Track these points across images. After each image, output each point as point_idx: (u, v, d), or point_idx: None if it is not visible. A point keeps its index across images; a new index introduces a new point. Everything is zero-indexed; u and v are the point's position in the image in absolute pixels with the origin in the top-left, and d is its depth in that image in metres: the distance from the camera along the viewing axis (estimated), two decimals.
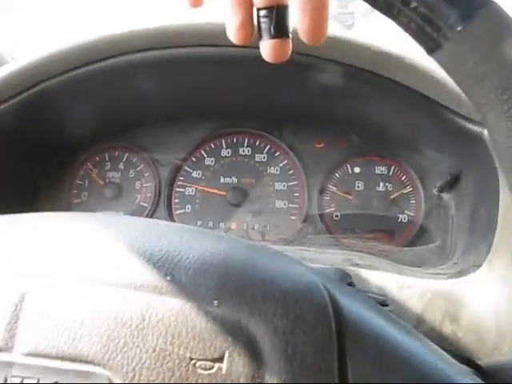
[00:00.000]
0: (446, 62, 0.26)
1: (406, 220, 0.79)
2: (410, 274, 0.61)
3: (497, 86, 0.24)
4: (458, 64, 0.25)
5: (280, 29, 0.37)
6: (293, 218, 0.83)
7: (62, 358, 0.22)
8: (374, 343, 0.25)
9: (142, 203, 0.88)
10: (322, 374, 0.22)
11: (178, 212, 0.87)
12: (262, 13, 0.37)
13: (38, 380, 0.22)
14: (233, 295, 0.24)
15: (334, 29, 0.64)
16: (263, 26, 0.37)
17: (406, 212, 0.80)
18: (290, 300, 0.24)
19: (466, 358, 0.51)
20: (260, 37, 0.38)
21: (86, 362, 0.22)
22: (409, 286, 0.57)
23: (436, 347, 0.30)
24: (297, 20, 0.37)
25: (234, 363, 0.22)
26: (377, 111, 0.71)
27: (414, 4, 0.25)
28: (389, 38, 0.58)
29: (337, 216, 0.82)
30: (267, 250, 0.30)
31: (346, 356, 0.23)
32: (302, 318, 0.24)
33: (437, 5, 0.24)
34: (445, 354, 0.30)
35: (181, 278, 0.24)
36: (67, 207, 0.89)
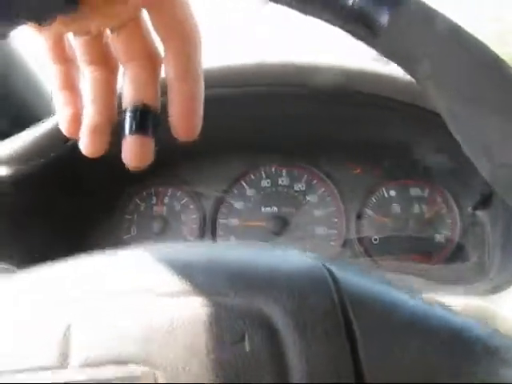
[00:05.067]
0: (382, 50, 0.28)
1: (443, 240, 0.81)
2: (446, 291, 0.62)
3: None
4: (394, 50, 0.27)
5: (142, 126, 0.36)
6: (332, 243, 0.86)
7: (113, 363, 0.26)
8: (374, 302, 0.28)
9: (187, 235, 0.92)
10: (332, 337, 0.26)
11: None
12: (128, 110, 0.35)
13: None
14: (245, 286, 0.28)
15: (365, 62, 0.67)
16: (125, 121, 0.36)
17: (442, 232, 0.81)
18: (293, 282, 0.29)
19: None
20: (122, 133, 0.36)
21: (135, 363, 0.26)
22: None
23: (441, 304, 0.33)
24: (169, 113, 0.36)
25: (255, 342, 0.26)
26: (405, 136, 0.74)
27: (349, 4, 0.26)
28: None
29: (375, 239, 0.84)
30: (268, 245, 0.34)
31: (350, 318, 0.27)
32: (306, 295, 0.27)
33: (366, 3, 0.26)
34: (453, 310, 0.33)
35: (198, 279, 0.28)
36: (118, 242, 0.93)
